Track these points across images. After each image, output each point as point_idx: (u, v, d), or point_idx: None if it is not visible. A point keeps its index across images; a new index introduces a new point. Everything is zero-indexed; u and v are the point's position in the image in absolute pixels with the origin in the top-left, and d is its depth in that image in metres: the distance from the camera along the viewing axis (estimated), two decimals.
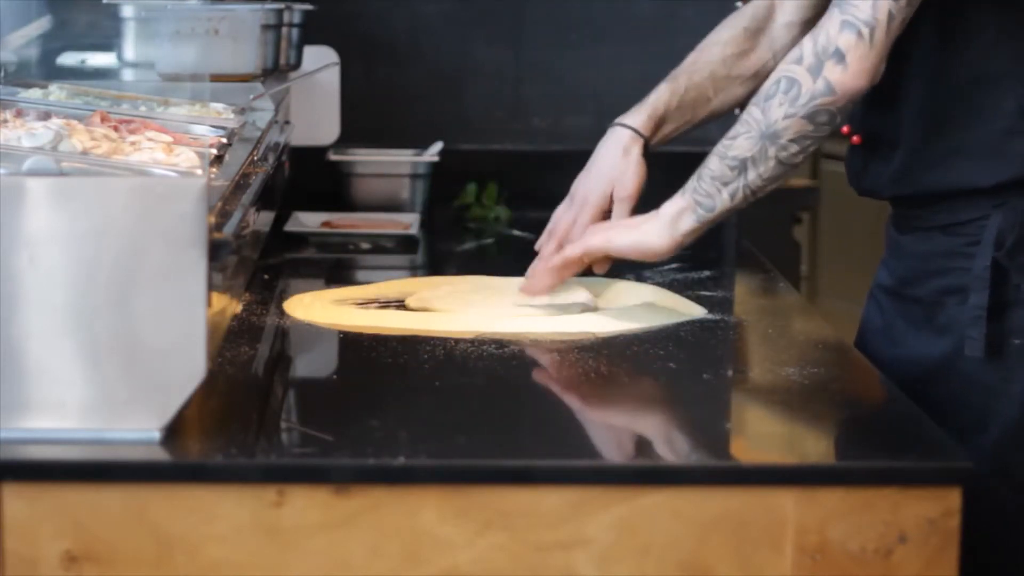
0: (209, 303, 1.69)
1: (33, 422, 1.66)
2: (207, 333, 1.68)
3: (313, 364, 2.15)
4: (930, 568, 1.62)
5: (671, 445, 1.79)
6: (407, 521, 1.61)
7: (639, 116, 2.30)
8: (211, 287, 1.72)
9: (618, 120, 2.31)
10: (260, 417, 1.85)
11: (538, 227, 2.37)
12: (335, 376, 2.07)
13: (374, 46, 3.26)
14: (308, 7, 2.90)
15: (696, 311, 2.27)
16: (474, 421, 1.81)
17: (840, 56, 2.02)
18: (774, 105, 2.05)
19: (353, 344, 2.12)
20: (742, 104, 2.24)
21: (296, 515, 1.60)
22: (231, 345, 2.03)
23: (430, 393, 1.90)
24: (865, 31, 2.02)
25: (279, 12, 2.78)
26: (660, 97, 2.31)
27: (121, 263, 1.65)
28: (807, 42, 2.05)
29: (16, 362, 1.65)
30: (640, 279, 2.45)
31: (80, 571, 1.60)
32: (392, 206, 3.13)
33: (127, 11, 2.74)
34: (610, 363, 2.02)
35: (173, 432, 1.67)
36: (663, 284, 2.43)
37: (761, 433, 1.85)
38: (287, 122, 2.98)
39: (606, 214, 2.26)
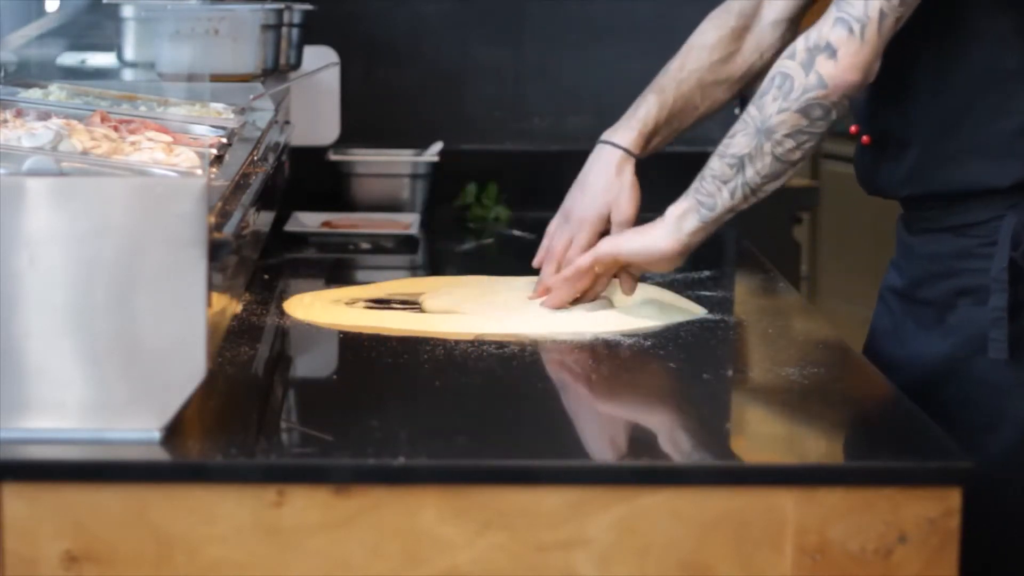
0: (209, 303, 1.69)
1: (33, 422, 1.66)
2: (207, 333, 1.68)
3: (313, 364, 2.15)
4: (930, 568, 1.62)
5: (671, 445, 1.79)
6: (407, 521, 1.61)
7: (629, 133, 2.29)
8: (211, 287, 1.72)
9: (607, 137, 2.31)
10: (260, 417, 1.85)
11: (538, 227, 2.37)
12: (335, 376, 2.07)
13: (374, 46, 3.26)
14: (308, 7, 2.90)
15: (696, 311, 2.27)
16: (474, 421, 1.81)
17: (831, 50, 2.03)
18: (768, 101, 2.05)
19: (353, 344, 2.12)
20: (728, 107, 2.24)
21: (296, 515, 1.60)
22: (231, 345, 2.03)
23: (430, 393, 1.90)
24: (856, 27, 2.02)
25: (279, 12, 2.78)
26: (649, 112, 2.30)
27: (121, 263, 1.65)
28: (801, 39, 2.06)
29: (16, 362, 1.65)
30: (641, 279, 2.44)
31: (80, 571, 1.60)
32: (392, 206, 3.13)
33: (127, 11, 2.74)
34: (610, 363, 2.02)
35: (173, 432, 1.67)
36: (663, 284, 2.43)
37: (761, 433, 1.85)
38: (287, 122, 2.98)
39: (602, 235, 2.26)
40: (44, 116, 2.08)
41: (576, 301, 2.22)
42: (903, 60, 2.11)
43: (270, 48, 2.74)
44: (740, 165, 2.07)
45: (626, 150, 2.28)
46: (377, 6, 3.26)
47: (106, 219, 1.65)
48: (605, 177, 2.27)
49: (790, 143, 2.06)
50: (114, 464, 1.63)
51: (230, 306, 2.12)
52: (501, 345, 2.06)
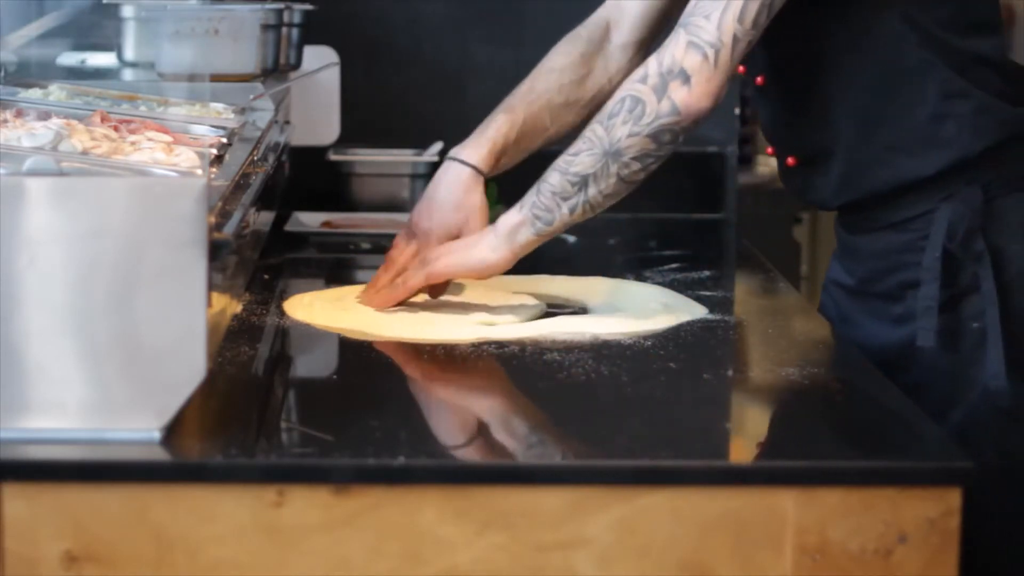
0: (209, 303, 1.69)
1: (33, 422, 1.66)
2: (207, 333, 1.68)
3: (313, 364, 2.15)
4: (930, 568, 1.62)
5: (671, 445, 1.79)
6: (407, 521, 1.61)
7: (479, 151, 2.29)
8: (211, 287, 1.72)
9: (456, 153, 2.30)
10: (260, 417, 1.85)
11: None
12: (335, 376, 2.07)
13: (374, 46, 3.26)
14: (308, 7, 2.90)
15: (696, 311, 2.27)
16: (474, 421, 1.81)
17: (685, 77, 2.04)
18: (618, 123, 2.07)
19: (353, 344, 2.12)
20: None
21: (296, 515, 1.60)
22: (231, 345, 2.03)
23: (430, 393, 1.90)
24: (711, 52, 2.04)
25: (279, 12, 2.78)
26: (499, 130, 2.31)
27: (121, 263, 1.65)
28: (652, 62, 2.07)
29: (16, 362, 1.65)
30: (640, 279, 2.45)
31: (80, 571, 1.60)
32: (392, 206, 3.13)
33: (127, 11, 2.74)
34: (610, 363, 2.02)
35: (173, 432, 1.67)
36: (663, 284, 2.43)
37: (761, 433, 1.85)
38: (287, 122, 2.98)
39: None
40: (44, 116, 2.08)
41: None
42: (808, 79, 2.13)
43: (270, 48, 2.74)
44: (583, 184, 2.09)
45: (475, 168, 2.28)
46: (377, 6, 3.26)
47: (106, 219, 1.65)
48: (455, 195, 2.27)
49: (636, 165, 2.08)
50: (114, 464, 1.63)
51: (230, 306, 2.12)
52: (501, 345, 2.06)
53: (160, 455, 1.65)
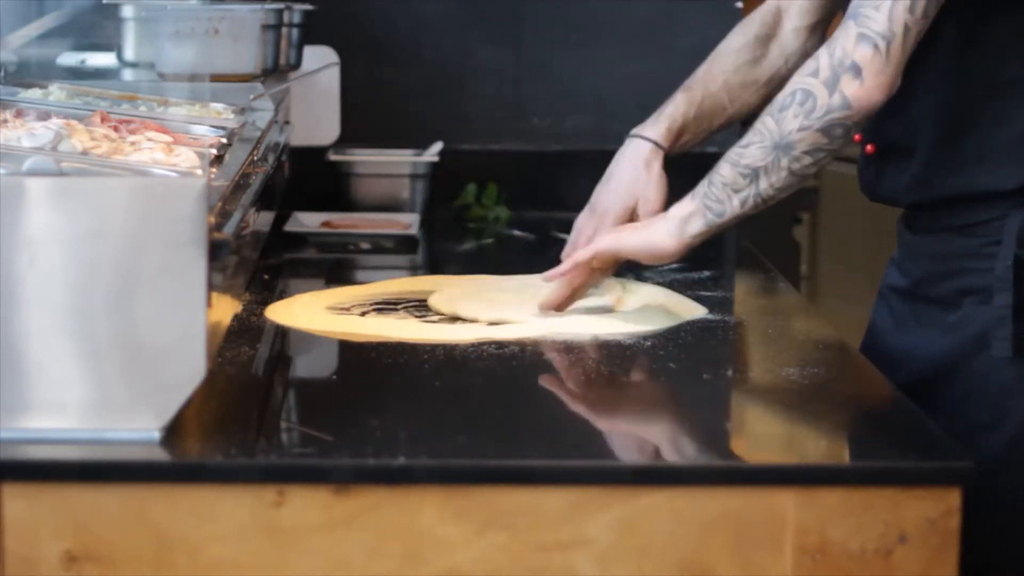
0: (209, 303, 1.69)
1: (33, 422, 1.66)
2: (207, 333, 1.68)
3: (313, 364, 2.15)
4: (930, 568, 1.62)
5: (671, 445, 1.79)
6: (407, 521, 1.61)
7: (658, 128, 2.30)
8: (211, 287, 1.72)
9: (636, 131, 2.31)
10: (260, 417, 1.85)
11: (538, 227, 2.37)
12: (335, 376, 2.07)
13: (374, 46, 3.26)
14: (308, 7, 2.90)
15: (697, 311, 2.27)
16: (474, 421, 1.81)
17: (857, 70, 2.01)
18: (788, 116, 2.04)
19: (353, 344, 2.12)
20: (756, 111, 2.24)
21: (296, 515, 1.60)
22: (231, 345, 2.03)
23: (430, 393, 1.90)
24: (882, 44, 2.01)
25: (279, 12, 2.78)
26: (677, 108, 2.31)
27: (121, 263, 1.65)
28: (823, 54, 2.04)
29: (16, 362, 1.65)
30: (640, 279, 2.44)
31: (80, 571, 1.60)
32: (392, 206, 3.13)
33: (127, 11, 2.74)
34: (610, 363, 2.02)
35: (173, 432, 1.67)
36: (663, 284, 2.43)
37: (761, 433, 1.85)
38: (287, 122, 2.98)
39: None
40: (44, 116, 2.09)
41: (571, 297, 2.21)
42: (909, 73, 2.10)
43: (270, 48, 2.74)
44: (754, 176, 2.07)
45: (655, 143, 2.28)
46: (377, 6, 3.26)
47: (106, 219, 1.65)
48: (633, 170, 2.28)
49: (808, 160, 2.05)
50: (114, 464, 1.63)
51: (230, 306, 2.12)
52: (501, 345, 2.06)
53: (160, 455, 1.65)
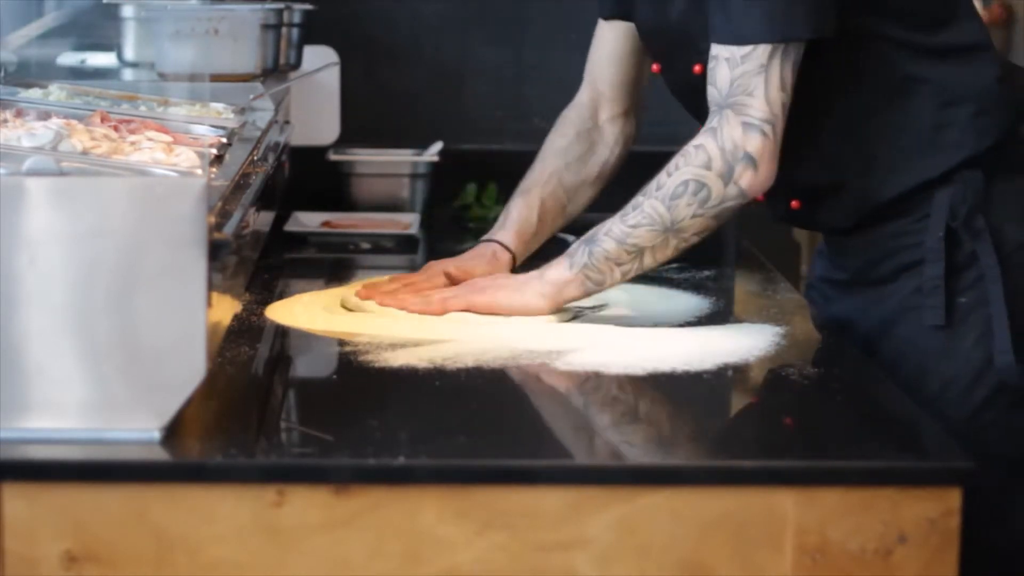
0: (209, 303, 1.69)
1: (33, 422, 1.66)
2: (207, 333, 1.68)
3: (313, 364, 2.15)
4: (930, 568, 1.62)
5: (671, 445, 1.79)
6: (407, 521, 1.61)
7: (507, 233, 2.37)
8: (211, 287, 1.72)
9: (486, 237, 2.37)
10: (260, 417, 1.85)
11: None
12: (335, 376, 2.07)
13: (374, 46, 3.26)
14: (308, 7, 2.90)
15: (689, 307, 2.29)
16: (474, 421, 1.81)
17: (750, 160, 2.07)
18: (681, 205, 2.09)
19: (353, 344, 2.12)
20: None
21: (296, 515, 1.60)
22: (231, 345, 2.03)
23: (430, 393, 1.90)
24: (768, 129, 2.07)
25: (279, 12, 2.78)
26: (521, 213, 2.38)
27: (121, 263, 1.65)
28: (711, 146, 2.08)
29: (16, 362, 1.65)
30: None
31: (80, 571, 1.60)
32: (392, 206, 3.13)
33: (127, 11, 2.74)
34: (610, 363, 2.01)
35: (173, 432, 1.67)
36: (663, 284, 2.43)
37: (761, 433, 1.85)
38: (287, 122, 2.98)
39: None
40: (44, 116, 2.09)
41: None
42: (805, 124, 2.14)
43: (270, 48, 2.74)
44: (639, 253, 2.13)
45: (506, 247, 2.35)
46: (377, 6, 3.26)
47: (106, 219, 1.65)
48: (487, 262, 2.34)
49: (695, 239, 2.13)
50: (114, 464, 1.63)
51: (230, 306, 2.12)
52: (500, 345, 2.06)
53: (160, 455, 1.65)
